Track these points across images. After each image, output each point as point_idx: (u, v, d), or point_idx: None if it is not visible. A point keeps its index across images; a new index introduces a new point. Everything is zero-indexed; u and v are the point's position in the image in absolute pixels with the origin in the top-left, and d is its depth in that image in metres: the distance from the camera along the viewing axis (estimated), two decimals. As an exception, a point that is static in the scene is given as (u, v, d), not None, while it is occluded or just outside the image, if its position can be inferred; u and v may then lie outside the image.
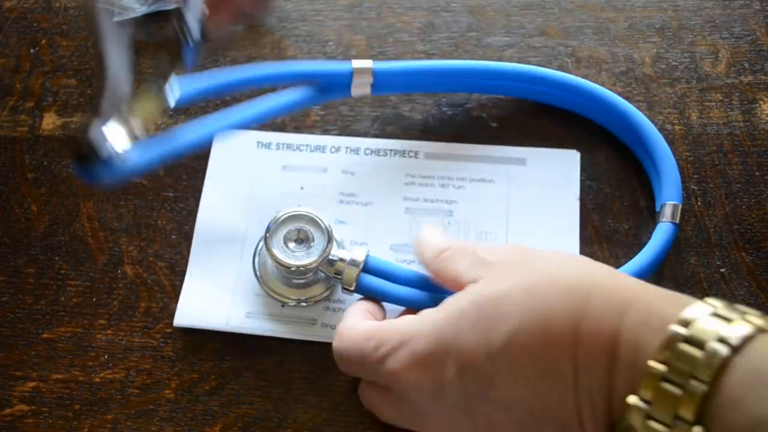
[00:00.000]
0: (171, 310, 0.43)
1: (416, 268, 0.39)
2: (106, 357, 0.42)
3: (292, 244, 0.40)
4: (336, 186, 0.45)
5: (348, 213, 0.44)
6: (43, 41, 0.51)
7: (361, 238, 0.44)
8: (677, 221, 0.41)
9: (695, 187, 0.44)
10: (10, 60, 0.50)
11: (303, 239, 0.40)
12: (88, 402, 0.41)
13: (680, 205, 0.41)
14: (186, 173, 0.46)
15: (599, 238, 0.43)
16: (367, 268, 0.39)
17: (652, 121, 0.45)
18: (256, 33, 0.50)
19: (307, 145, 0.46)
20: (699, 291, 0.41)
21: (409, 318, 0.34)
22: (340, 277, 0.39)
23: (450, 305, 0.32)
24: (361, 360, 0.34)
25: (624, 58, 0.48)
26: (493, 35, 0.49)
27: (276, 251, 0.40)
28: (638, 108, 0.46)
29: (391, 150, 0.46)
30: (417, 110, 0.47)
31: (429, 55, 0.49)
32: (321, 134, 0.47)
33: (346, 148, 0.46)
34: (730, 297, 0.41)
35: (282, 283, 0.42)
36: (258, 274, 0.42)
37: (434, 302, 0.35)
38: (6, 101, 0.49)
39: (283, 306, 0.42)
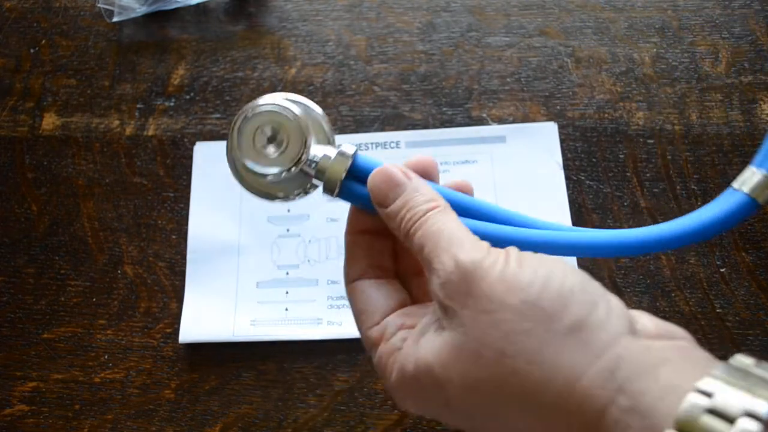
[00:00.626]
0: (171, 310, 0.43)
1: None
2: (106, 357, 0.42)
3: (266, 147, 0.32)
4: None
5: (338, 210, 0.44)
6: (43, 41, 0.51)
7: None
8: (760, 201, 0.31)
9: (695, 187, 0.44)
10: (10, 60, 0.50)
11: (276, 138, 0.32)
12: (88, 402, 0.41)
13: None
14: (186, 173, 0.46)
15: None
16: (355, 170, 0.32)
17: (652, 120, 0.45)
18: (256, 33, 0.50)
19: None
20: (699, 291, 0.41)
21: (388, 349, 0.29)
22: (321, 178, 0.32)
23: (417, 382, 0.27)
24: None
25: (624, 58, 0.48)
26: (493, 35, 0.49)
27: (247, 160, 0.32)
28: (638, 108, 0.46)
29: (372, 143, 0.46)
30: (417, 110, 0.47)
31: (429, 55, 0.49)
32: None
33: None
34: (730, 297, 0.41)
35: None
36: (236, 170, 0.34)
37: None
38: (6, 101, 0.49)
39: (272, 201, 0.34)
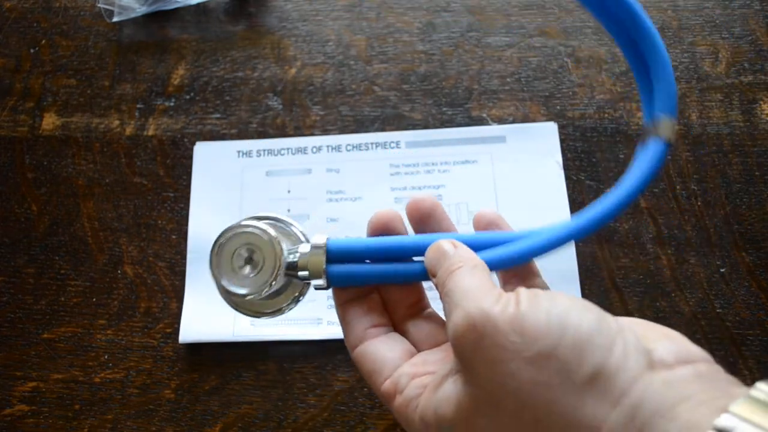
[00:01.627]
0: (171, 310, 0.43)
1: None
2: (106, 357, 0.42)
3: (243, 268, 0.33)
4: (323, 185, 0.45)
5: (338, 210, 0.44)
6: (43, 41, 0.51)
7: (355, 233, 0.44)
8: (671, 140, 0.32)
9: (695, 187, 0.44)
10: (10, 60, 0.50)
11: (252, 259, 0.33)
12: (88, 402, 0.41)
13: (675, 121, 0.32)
14: (186, 173, 0.46)
15: (599, 238, 0.43)
16: (333, 256, 0.33)
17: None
18: (256, 33, 0.50)
19: (288, 149, 0.46)
20: (699, 291, 0.41)
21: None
22: (306, 275, 0.33)
23: (435, 425, 0.28)
24: None
25: (624, 58, 0.48)
26: (493, 35, 0.49)
27: (224, 281, 0.33)
28: (638, 108, 0.46)
29: (372, 143, 0.46)
30: (417, 110, 0.47)
31: (429, 55, 0.49)
32: (315, 136, 0.47)
33: (327, 146, 0.46)
34: (730, 297, 0.41)
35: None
36: (223, 296, 0.35)
37: (416, 273, 0.32)
38: (6, 101, 0.49)
39: (257, 317, 0.35)
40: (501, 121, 0.46)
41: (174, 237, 0.45)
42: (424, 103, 0.47)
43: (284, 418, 0.40)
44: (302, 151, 0.46)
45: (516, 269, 0.32)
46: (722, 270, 0.42)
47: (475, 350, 0.25)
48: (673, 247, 0.42)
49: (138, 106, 0.48)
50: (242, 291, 0.33)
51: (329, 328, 0.42)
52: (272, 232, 0.33)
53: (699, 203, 0.43)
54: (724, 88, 0.47)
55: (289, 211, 0.45)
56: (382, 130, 0.47)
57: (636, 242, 0.43)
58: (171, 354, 0.42)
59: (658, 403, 0.23)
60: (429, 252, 0.31)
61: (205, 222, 0.45)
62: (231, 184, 0.46)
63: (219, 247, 0.33)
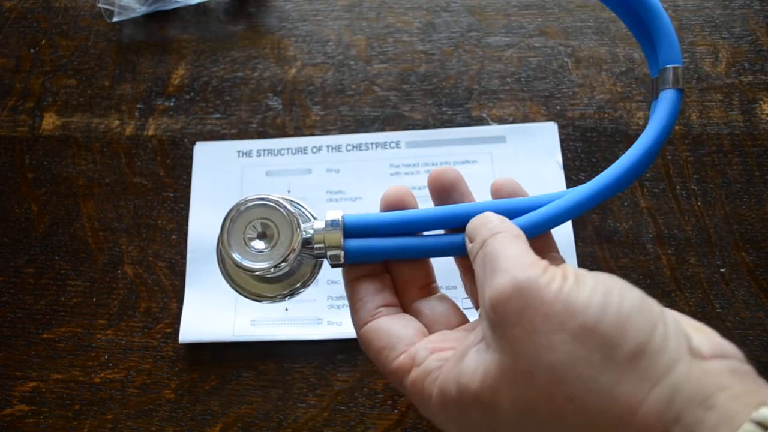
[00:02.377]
0: (171, 310, 0.43)
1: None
2: (106, 357, 0.42)
3: (255, 242, 0.32)
4: (323, 185, 0.45)
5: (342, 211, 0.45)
6: (43, 41, 0.51)
7: None
8: (681, 86, 0.33)
9: (695, 187, 0.44)
10: (10, 60, 0.50)
11: (266, 233, 0.32)
12: (88, 402, 0.41)
13: (681, 68, 0.33)
14: (186, 173, 0.46)
15: (599, 238, 0.43)
16: (349, 231, 0.32)
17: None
18: (256, 33, 0.50)
19: (288, 149, 0.46)
20: (699, 291, 0.41)
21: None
22: (322, 250, 0.32)
23: (461, 408, 0.26)
24: None
25: (624, 58, 0.48)
26: (493, 35, 0.49)
27: (236, 255, 0.32)
28: (638, 108, 0.46)
29: (372, 143, 0.46)
30: (417, 110, 0.47)
31: (429, 55, 0.49)
32: (315, 136, 0.47)
33: (327, 146, 0.46)
34: (730, 297, 0.41)
35: (255, 280, 0.34)
36: (226, 273, 0.34)
37: (442, 246, 0.32)
38: (6, 101, 0.49)
39: (260, 301, 0.34)
40: (501, 121, 0.46)
41: (174, 237, 0.45)
42: (424, 103, 0.47)
43: (284, 418, 0.40)
44: (302, 151, 0.46)
45: (534, 241, 0.31)
46: (722, 270, 0.42)
47: (516, 318, 0.25)
48: (673, 247, 0.42)
49: (138, 106, 0.48)
50: (256, 265, 0.31)
51: (329, 328, 0.42)
52: (289, 205, 0.32)
53: (699, 203, 0.43)
54: (724, 88, 0.47)
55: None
56: (382, 130, 0.47)
57: (636, 242, 0.43)
58: (171, 354, 0.42)
59: (696, 390, 0.23)
60: (474, 220, 0.30)
61: (205, 222, 0.45)
62: (231, 184, 0.46)
63: (231, 220, 0.32)
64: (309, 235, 0.32)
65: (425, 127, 0.47)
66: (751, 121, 0.46)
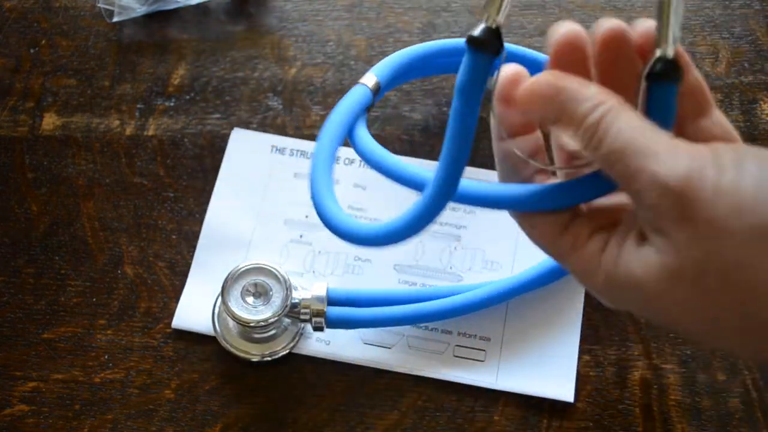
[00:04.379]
0: (171, 310, 0.43)
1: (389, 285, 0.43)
2: (106, 357, 0.42)
3: (250, 299, 0.39)
4: (345, 199, 0.44)
5: None
6: (43, 41, 0.51)
7: (364, 255, 0.43)
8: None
9: (695, 187, 0.44)
10: (10, 60, 0.50)
11: (261, 293, 0.39)
12: (88, 402, 0.41)
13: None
14: (186, 173, 0.46)
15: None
16: (332, 301, 0.40)
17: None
18: (256, 33, 0.50)
19: None
20: (699, 291, 0.41)
21: None
22: (307, 317, 0.39)
23: (625, 287, 0.25)
24: None
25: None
26: (493, 35, 0.49)
27: (234, 307, 0.39)
28: (638, 108, 0.46)
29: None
30: (417, 110, 0.47)
31: (429, 55, 0.49)
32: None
33: (361, 161, 0.45)
34: None
35: (243, 339, 0.41)
36: (218, 330, 0.41)
37: (408, 318, 0.40)
38: (6, 101, 0.49)
39: (249, 363, 0.41)
40: (501, 121, 0.46)
41: (174, 237, 0.45)
42: (424, 103, 0.47)
43: (284, 417, 0.40)
44: (336, 160, 0.45)
45: (688, 103, 0.26)
46: (722, 270, 0.42)
47: (675, 224, 0.22)
48: (673, 247, 0.42)
49: (138, 106, 0.48)
50: (251, 317, 0.38)
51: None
52: (284, 272, 0.40)
53: (699, 203, 0.43)
54: (724, 88, 0.47)
55: (306, 217, 0.44)
56: (383, 130, 0.47)
57: (636, 242, 0.43)
58: (171, 354, 0.42)
59: None
60: (539, 90, 0.26)
61: (223, 212, 0.45)
62: (257, 178, 0.45)
63: (232, 278, 0.39)
64: (297, 301, 0.39)
65: (425, 127, 0.47)
66: (751, 121, 0.46)
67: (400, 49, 0.49)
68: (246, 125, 0.47)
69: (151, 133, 0.47)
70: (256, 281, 0.39)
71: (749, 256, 0.22)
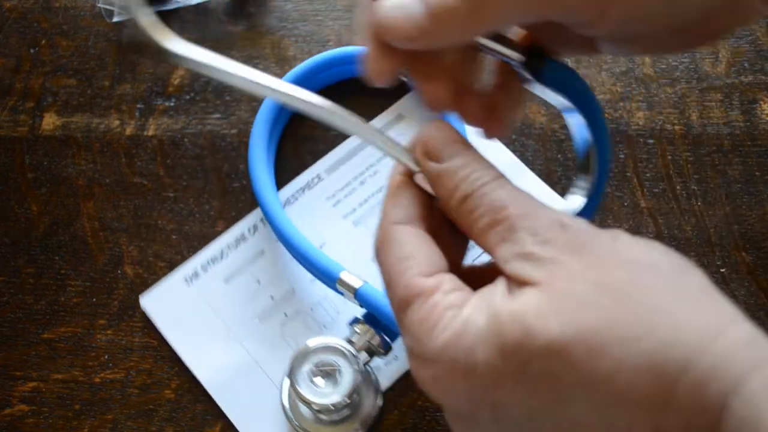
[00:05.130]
0: (171, 310, 0.43)
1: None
2: (106, 357, 0.42)
3: (318, 380, 0.36)
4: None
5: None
6: (43, 41, 0.51)
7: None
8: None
9: (695, 187, 0.44)
10: (10, 60, 0.50)
11: (329, 373, 0.36)
12: (88, 402, 0.41)
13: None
14: (186, 173, 0.46)
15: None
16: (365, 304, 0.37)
17: (652, 120, 0.45)
18: (256, 33, 0.50)
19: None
20: (699, 291, 0.41)
21: (450, 317, 0.23)
22: (371, 354, 0.37)
23: (488, 332, 0.22)
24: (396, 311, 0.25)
25: (624, 58, 0.48)
26: (493, 35, 0.49)
27: (302, 389, 0.36)
28: (638, 108, 0.46)
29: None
30: (417, 110, 0.47)
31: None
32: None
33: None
34: (730, 297, 0.41)
35: (314, 421, 0.38)
36: (289, 414, 0.38)
37: None
38: (6, 101, 0.49)
39: None
40: (501, 121, 0.46)
41: (174, 237, 0.45)
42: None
43: (284, 418, 0.40)
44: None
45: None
46: (722, 270, 0.42)
47: (571, 250, 0.22)
48: (673, 247, 0.42)
49: (138, 106, 0.48)
50: (324, 400, 0.35)
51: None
52: (353, 350, 0.36)
53: (699, 203, 0.43)
54: (724, 88, 0.47)
55: (272, 298, 0.42)
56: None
57: (636, 242, 0.43)
58: (171, 354, 0.42)
59: (745, 363, 0.20)
60: (433, 127, 0.26)
61: (205, 359, 0.41)
62: (202, 316, 0.42)
63: (297, 361, 0.36)
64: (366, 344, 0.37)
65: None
66: (751, 121, 0.46)
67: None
68: (246, 125, 0.47)
69: (151, 133, 0.47)
70: (324, 360, 0.36)
71: (650, 276, 0.22)
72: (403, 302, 0.24)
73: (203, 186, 0.46)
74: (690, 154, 0.45)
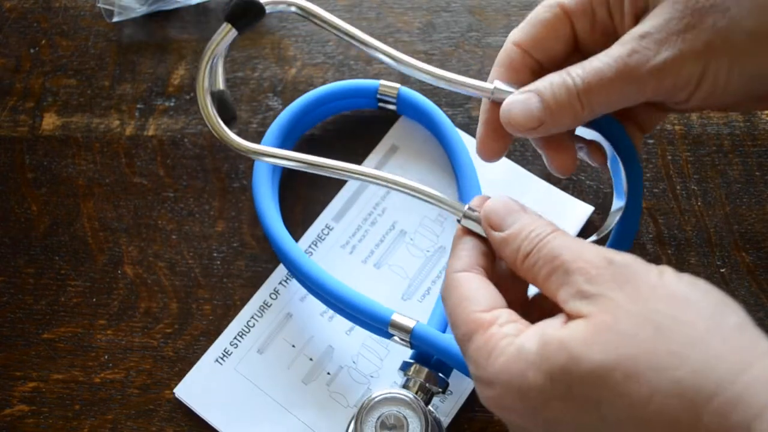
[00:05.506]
0: (171, 310, 0.43)
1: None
2: (106, 357, 0.42)
3: None
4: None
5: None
6: (43, 41, 0.51)
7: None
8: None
9: (695, 187, 0.44)
10: (10, 60, 0.50)
11: (396, 425, 0.36)
12: (88, 402, 0.41)
13: None
14: (186, 173, 0.46)
15: (600, 239, 0.43)
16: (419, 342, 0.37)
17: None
18: (256, 33, 0.50)
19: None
20: (699, 291, 0.41)
21: (505, 347, 0.27)
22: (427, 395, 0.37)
23: (538, 357, 0.25)
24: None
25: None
26: (493, 35, 0.49)
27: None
28: (638, 108, 0.46)
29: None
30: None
31: (429, 55, 0.49)
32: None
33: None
34: (730, 297, 0.41)
35: None
36: None
37: None
38: (6, 101, 0.49)
39: None
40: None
41: (174, 237, 0.45)
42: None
43: (284, 418, 0.40)
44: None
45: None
46: (722, 270, 0.42)
47: (616, 285, 0.25)
48: (673, 247, 0.42)
49: (138, 106, 0.48)
50: None
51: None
52: (413, 395, 0.36)
53: (699, 203, 0.43)
54: (724, 88, 0.47)
55: (311, 360, 0.41)
56: (384, 132, 0.47)
57: (636, 242, 0.43)
58: (171, 354, 0.42)
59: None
60: (493, 202, 0.31)
61: None
62: (238, 400, 0.41)
63: (365, 411, 0.36)
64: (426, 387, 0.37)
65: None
66: (751, 121, 0.46)
67: (400, 49, 0.49)
68: (246, 125, 0.47)
69: (151, 133, 0.47)
70: (388, 413, 0.36)
71: (685, 314, 0.24)
72: (465, 336, 0.28)
73: (203, 186, 0.46)
74: (690, 154, 0.45)
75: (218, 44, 0.34)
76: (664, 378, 0.23)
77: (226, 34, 0.34)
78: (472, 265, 0.31)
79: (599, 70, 0.30)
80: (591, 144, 0.36)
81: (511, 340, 0.26)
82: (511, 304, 0.29)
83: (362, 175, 0.34)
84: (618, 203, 0.36)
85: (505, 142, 0.34)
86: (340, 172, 0.34)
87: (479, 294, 0.29)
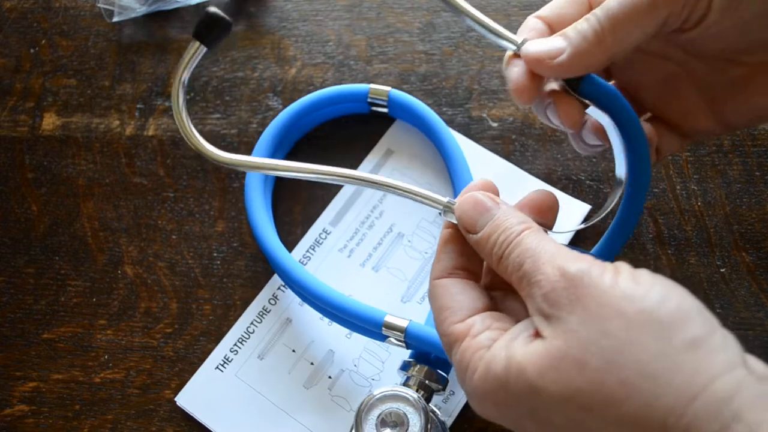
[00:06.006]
0: (171, 310, 0.43)
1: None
2: (106, 357, 0.42)
3: (387, 430, 0.36)
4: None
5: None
6: (43, 41, 0.51)
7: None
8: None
9: (695, 187, 0.44)
10: (10, 60, 0.50)
11: (397, 422, 0.36)
12: (88, 402, 0.41)
13: None
14: (186, 173, 0.46)
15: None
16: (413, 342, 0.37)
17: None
18: (256, 33, 0.50)
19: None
20: (699, 291, 0.41)
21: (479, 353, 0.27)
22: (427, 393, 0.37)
23: (503, 380, 0.26)
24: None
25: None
26: (493, 35, 0.49)
27: None
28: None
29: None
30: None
31: (429, 55, 0.48)
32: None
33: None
34: (730, 297, 0.41)
35: None
36: None
37: None
38: (6, 101, 0.49)
39: None
40: (501, 121, 0.46)
41: (174, 237, 0.45)
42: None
43: (284, 418, 0.40)
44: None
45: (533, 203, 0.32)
46: (722, 270, 0.42)
47: (569, 306, 0.25)
48: (673, 247, 0.42)
49: (138, 106, 0.48)
50: None
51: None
52: (414, 392, 0.36)
53: (699, 203, 0.43)
54: (724, 88, 0.47)
55: (312, 364, 0.41)
56: (384, 131, 0.47)
57: (636, 242, 0.43)
58: (171, 354, 0.42)
59: (758, 395, 0.22)
60: (463, 204, 0.30)
61: None
62: (243, 403, 0.41)
63: (365, 409, 0.36)
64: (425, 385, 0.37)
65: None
66: (751, 121, 0.45)
67: (400, 49, 0.49)
68: (246, 125, 0.47)
69: (151, 133, 0.47)
70: (391, 409, 0.36)
71: (635, 336, 0.24)
72: (447, 347, 0.29)
73: (203, 186, 0.46)
74: (690, 154, 0.45)
75: (189, 62, 0.34)
76: (613, 413, 0.23)
77: (195, 51, 0.33)
78: (452, 268, 0.31)
79: None
80: (595, 124, 0.37)
81: (482, 354, 0.27)
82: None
83: (333, 175, 0.34)
84: (618, 189, 0.36)
85: (536, 82, 0.34)
86: (312, 175, 0.34)
87: (455, 301, 0.29)
